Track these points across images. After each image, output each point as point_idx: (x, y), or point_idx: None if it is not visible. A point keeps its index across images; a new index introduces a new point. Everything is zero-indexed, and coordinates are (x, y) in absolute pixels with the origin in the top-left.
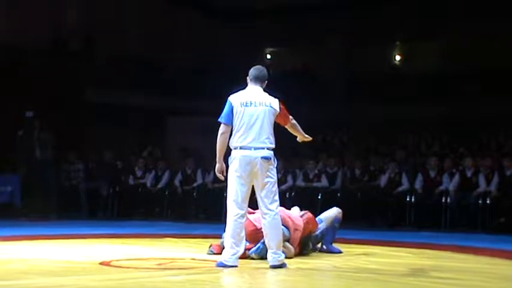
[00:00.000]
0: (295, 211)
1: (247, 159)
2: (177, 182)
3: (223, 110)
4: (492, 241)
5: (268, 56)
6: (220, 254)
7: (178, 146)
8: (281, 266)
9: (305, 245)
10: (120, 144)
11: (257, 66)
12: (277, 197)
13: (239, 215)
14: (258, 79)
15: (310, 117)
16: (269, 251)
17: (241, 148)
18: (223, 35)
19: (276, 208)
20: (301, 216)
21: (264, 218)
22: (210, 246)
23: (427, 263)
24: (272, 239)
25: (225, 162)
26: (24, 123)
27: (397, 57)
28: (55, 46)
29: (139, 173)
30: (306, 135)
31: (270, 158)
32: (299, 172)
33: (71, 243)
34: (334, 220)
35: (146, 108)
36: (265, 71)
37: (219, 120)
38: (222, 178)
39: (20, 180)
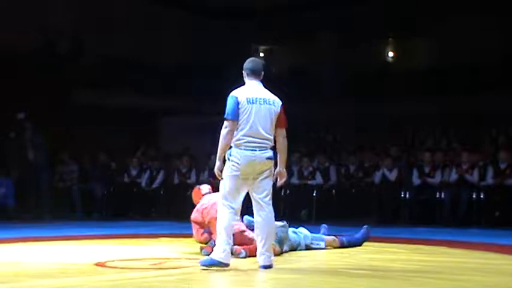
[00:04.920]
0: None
1: (251, 159)
2: (176, 180)
3: (226, 106)
4: (486, 235)
5: (261, 54)
6: None
7: (172, 145)
8: (271, 266)
9: None
10: (113, 145)
11: (252, 59)
12: (270, 196)
13: (232, 209)
14: (255, 73)
15: (303, 115)
16: (261, 251)
17: (245, 148)
18: (214, 34)
19: (271, 207)
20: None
21: (260, 217)
22: (201, 250)
23: (423, 258)
24: (266, 237)
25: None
26: (15, 125)
27: (390, 54)
28: (44, 48)
29: (134, 172)
30: (284, 171)
31: (273, 158)
32: (295, 169)
33: (66, 245)
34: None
35: (138, 108)
36: (261, 63)
37: (226, 117)
38: (220, 178)
39: (13, 182)
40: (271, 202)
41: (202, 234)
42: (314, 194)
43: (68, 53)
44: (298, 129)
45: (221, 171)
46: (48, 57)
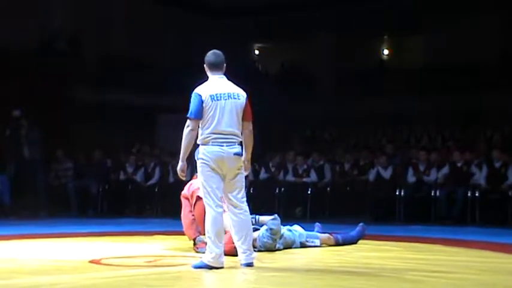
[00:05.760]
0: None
1: (219, 156)
2: (171, 178)
3: (190, 104)
4: (482, 233)
5: (256, 52)
6: None
7: (168, 143)
8: (252, 264)
9: None
10: (111, 142)
11: (212, 51)
12: (244, 194)
13: (219, 207)
14: (217, 66)
15: (300, 113)
16: (242, 249)
17: (213, 144)
18: (214, 34)
19: (246, 205)
20: None
21: (236, 216)
22: (196, 248)
23: (418, 256)
24: (246, 236)
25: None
26: (11, 122)
27: (385, 52)
28: (42, 46)
29: (130, 170)
30: (248, 162)
31: (242, 154)
32: (289, 166)
33: (61, 242)
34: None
35: (134, 106)
36: (222, 55)
37: (189, 116)
38: (184, 178)
39: (8, 180)
40: (245, 200)
41: (189, 211)
42: (309, 192)
43: (66, 51)
44: (295, 127)
45: (183, 172)
46: (47, 55)
